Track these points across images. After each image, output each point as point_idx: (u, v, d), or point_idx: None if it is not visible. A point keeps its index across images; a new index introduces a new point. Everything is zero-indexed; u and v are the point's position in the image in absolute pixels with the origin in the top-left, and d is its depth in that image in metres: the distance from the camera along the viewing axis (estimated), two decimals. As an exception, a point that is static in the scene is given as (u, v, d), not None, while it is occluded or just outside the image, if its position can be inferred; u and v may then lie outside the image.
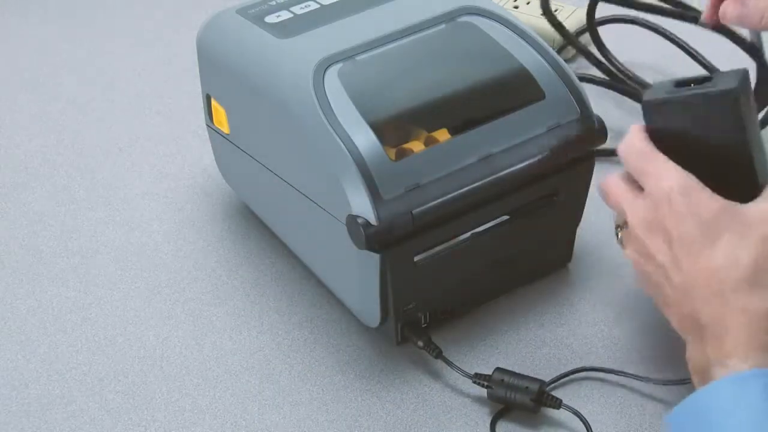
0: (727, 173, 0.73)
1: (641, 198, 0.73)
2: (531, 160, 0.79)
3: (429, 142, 0.79)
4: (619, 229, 0.76)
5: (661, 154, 0.73)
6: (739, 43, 0.91)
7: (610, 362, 0.81)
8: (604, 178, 0.76)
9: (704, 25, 0.87)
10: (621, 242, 0.76)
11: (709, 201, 0.71)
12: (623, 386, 0.80)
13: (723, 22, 0.84)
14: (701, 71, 1.01)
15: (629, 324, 0.84)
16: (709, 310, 0.69)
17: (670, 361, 0.79)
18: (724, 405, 0.66)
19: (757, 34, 0.91)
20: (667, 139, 0.73)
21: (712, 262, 0.70)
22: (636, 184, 0.74)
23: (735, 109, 0.71)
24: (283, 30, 0.84)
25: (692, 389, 0.69)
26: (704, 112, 0.72)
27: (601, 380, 0.80)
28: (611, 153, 0.89)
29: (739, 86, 0.70)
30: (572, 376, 0.80)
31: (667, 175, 0.72)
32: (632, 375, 0.79)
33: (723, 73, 0.72)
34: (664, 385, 0.79)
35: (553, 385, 0.80)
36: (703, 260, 0.70)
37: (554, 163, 0.80)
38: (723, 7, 0.83)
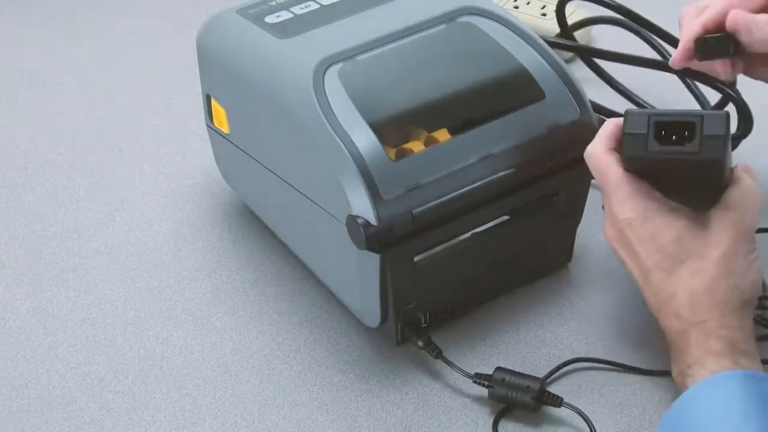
0: (695, 190, 0.75)
1: (611, 218, 0.76)
2: (531, 161, 0.79)
3: (429, 142, 0.79)
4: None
5: (620, 176, 0.75)
6: (711, 84, 0.89)
7: (609, 357, 0.81)
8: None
9: (672, 69, 0.87)
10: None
11: (668, 225, 0.74)
12: (624, 383, 0.80)
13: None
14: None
15: (629, 324, 0.84)
16: (671, 327, 0.73)
17: (669, 361, 0.79)
18: (701, 410, 0.67)
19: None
20: (635, 169, 0.75)
21: (673, 285, 0.73)
22: None
23: (718, 168, 0.73)
24: (283, 30, 0.84)
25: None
26: (686, 168, 0.73)
27: (601, 376, 0.80)
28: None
29: (722, 156, 0.72)
30: (568, 367, 0.80)
31: (625, 204, 0.74)
32: (622, 365, 0.80)
33: (706, 118, 0.72)
34: (659, 376, 0.79)
35: (550, 378, 0.79)
36: (665, 283, 0.74)
37: (554, 163, 0.80)
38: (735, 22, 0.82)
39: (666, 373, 0.78)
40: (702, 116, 0.72)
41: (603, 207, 0.78)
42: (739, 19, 0.81)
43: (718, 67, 0.85)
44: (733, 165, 0.76)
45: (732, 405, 0.66)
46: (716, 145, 0.72)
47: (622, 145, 0.74)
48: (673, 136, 0.72)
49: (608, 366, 0.81)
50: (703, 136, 0.72)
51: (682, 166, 0.73)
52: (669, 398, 0.78)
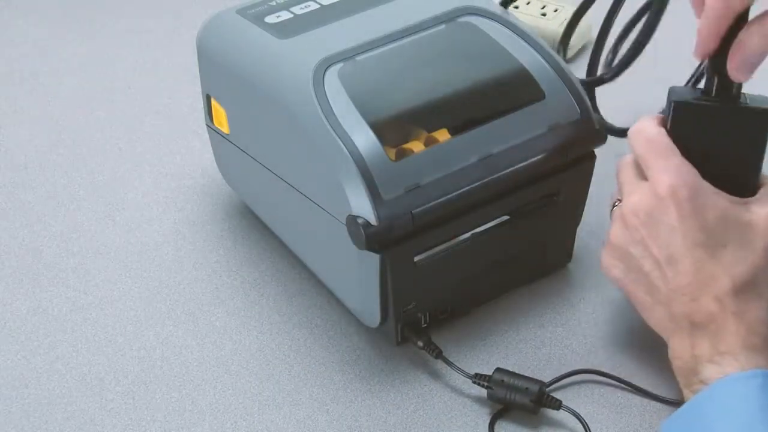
0: (732, 173, 0.74)
1: (644, 186, 0.74)
2: (531, 160, 0.79)
3: (429, 142, 0.79)
4: (615, 204, 0.78)
5: (672, 145, 0.73)
6: None
7: (609, 362, 0.81)
8: (620, 160, 0.77)
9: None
10: (611, 219, 0.77)
11: (715, 204, 0.72)
12: (623, 388, 0.80)
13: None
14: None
15: (629, 324, 0.84)
16: (706, 310, 0.70)
17: (669, 361, 0.79)
18: (724, 405, 0.66)
19: None
20: (680, 136, 0.74)
21: (714, 269, 0.71)
22: (642, 170, 0.75)
23: (765, 127, 0.73)
24: (283, 30, 0.84)
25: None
26: (734, 125, 0.73)
27: (601, 382, 0.80)
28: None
29: None
30: (572, 378, 0.80)
31: (676, 171, 0.72)
32: (631, 385, 0.79)
33: (750, 95, 0.74)
34: (665, 403, 0.78)
35: (553, 386, 0.80)
36: (707, 265, 0.71)
37: (554, 163, 0.80)
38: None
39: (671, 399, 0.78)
40: (746, 93, 0.74)
41: (612, 208, 0.77)
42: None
43: None
44: None
45: (752, 405, 0.65)
46: (766, 101, 0.73)
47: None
48: None
49: (613, 381, 0.80)
50: (751, 98, 0.73)
51: (732, 122, 0.73)
52: (670, 411, 0.77)
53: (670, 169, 0.72)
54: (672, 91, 0.76)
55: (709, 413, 0.67)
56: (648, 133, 0.74)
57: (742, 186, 0.74)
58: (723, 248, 0.71)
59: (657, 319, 0.74)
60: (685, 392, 0.71)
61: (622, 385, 0.80)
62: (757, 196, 0.73)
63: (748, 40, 0.69)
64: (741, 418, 0.65)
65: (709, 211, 0.71)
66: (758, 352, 0.69)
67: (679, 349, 0.72)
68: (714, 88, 0.74)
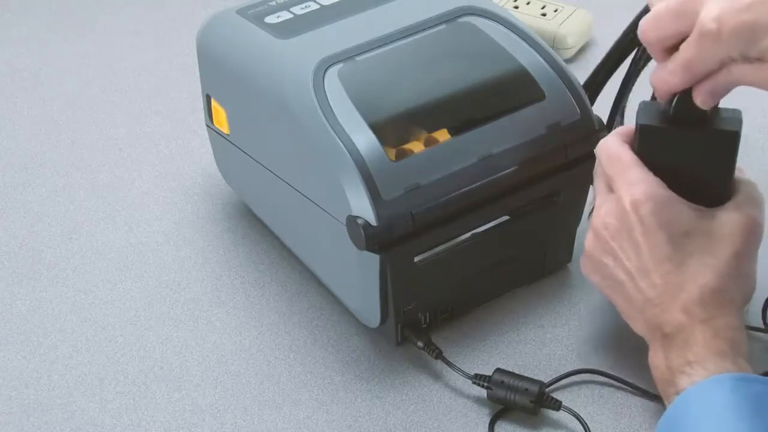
0: (702, 185, 0.74)
1: (611, 199, 0.74)
2: (531, 161, 0.79)
3: (429, 142, 0.79)
4: (591, 211, 0.78)
5: (634, 159, 0.74)
6: None
7: (609, 362, 0.81)
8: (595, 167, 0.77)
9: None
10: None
11: (680, 215, 0.72)
12: (623, 388, 0.80)
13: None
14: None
15: (629, 324, 0.84)
16: (674, 321, 0.72)
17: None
18: (696, 413, 0.67)
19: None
20: (648, 155, 0.74)
21: (682, 279, 0.72)
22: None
23: (732, 148, 0.73)
24: (283, 30, 0.84)
25: None
26: (701, 147, 0.73)
27: (601, 382, 0.80)
28: None
29: (740, 128, 0.72)
30: (572, 378, 0.80)
31: (638, 186, 0.73)
32: (631, 385, 0.79)
33: (721, 109, 0.73)
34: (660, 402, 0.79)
35: (553, 386, 0.80)
36: (673, 275, 0.72)
37: (554, 163, 0.80)
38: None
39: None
40: (717, 108, 0.73)
41: (590, 214, 0.77)
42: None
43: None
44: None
45: (724, 408, 0.66)
46: (734, 123, 0.72)
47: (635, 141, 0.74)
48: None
49: (612, 381, 0.80)
50: (721, 117, 0.73)
51: (699, 145, 0.72)
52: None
53: (632, 183, 0.73)
54: (641, 109, 0.74)
55: (684, 423, 0.67)
56: (610, 148, 0.75)
57: (712, 196, 0.74)
58: (690, 258, 0.72)
59: (638, 326, 0.75)
60: (666, 403, 0.72)
61: (622, 385, 0.80)
62: (726, 204, 0.73)
63: (716, 74, 0.69)
64: (714, 423, 0.66)
65: (673, 224, 0.72)
66: (726, 357, 0.69)
67: (655, 360, 0.73)
68: (682, 109, 0.72)
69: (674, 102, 0.72)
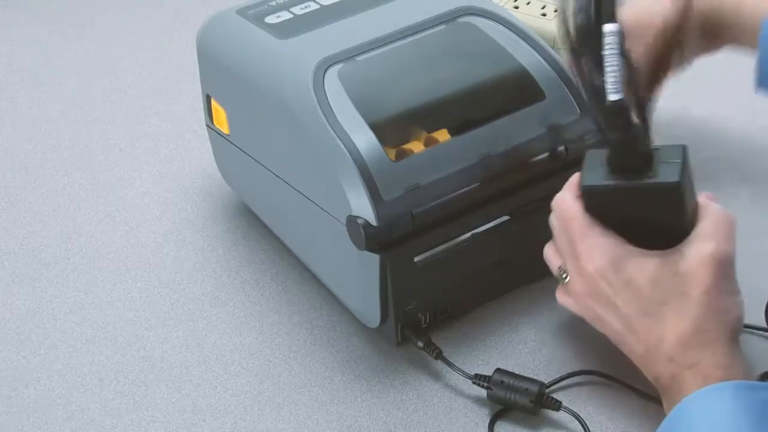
0: (659, 231, 0.73)
1: (577, 271, 0.74)
2: (531, 161, 0.79)
3: (429, 142, 0.79)
4: (562, 273, 0.77)
5: (587, 221, 0.74)
6: None
7: (609, 363, 0.81)
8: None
9: None
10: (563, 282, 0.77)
11: (644, 268, 0.72)
12: (622, 389, 0.80)
13: None
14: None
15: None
16: (665, 372, 0.72)
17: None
18: (697, 421, 0.67)
19: None
20: (598, 214, 0.74)
21: (660, 330, 0.72)
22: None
23: (677, 198, 0.72)
24: (283, 30, 0.84)
25: None
26: (646, 200, 0.73)
27: (600, 383, 0.80)
28: None
29: (681, 180, 0.71)
30: (572, 379, 0.80)
31: (595, 252, 0.73)
32: (631, 386, 0.79)
33: (662, 149, 0.72)
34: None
35: (552, 387, 0.79)
36: (653, 328, 0.72)
37: (554, 163, 0.80)
38: None
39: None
40: (658, 147, 0.72)
41: (562, 270, 0.76)
42: None
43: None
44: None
45: (725, 416, 0.66)
46: (674, 170, 0.71)
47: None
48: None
49: (612, 382, 0.80)
50: (661, 163, 0.71)
51: (643, 198, 0.72)
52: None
53: (591, 251, 0.73)
54: (585, 164, 0.74)
55: (684, 427, 0.67)
56: (565, 211, 0.75)
57: (672, 238, 0.73)
58: (664, 306, 0.71)
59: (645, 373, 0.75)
60: None
61: (622, 386, 0.80)
62: (690, 237, 0.72)
63: None
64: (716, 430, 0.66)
65: (639, 278, 0.72)
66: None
67: (665, 407, 0.72)
68: (619, 159, 0.72)
69: (608, 155, 0.72)
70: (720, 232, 0.72)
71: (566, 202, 0.75)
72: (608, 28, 0.68)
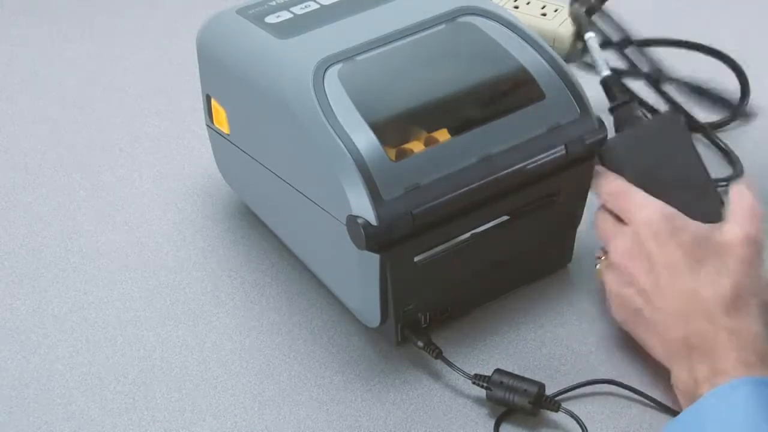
0: (691, 201, 0.79)
1: (624, 229, 0.78)
2: (531, 161, 0.79)
3: (429, 142, 0.79)
4: (598, 260, 0.81)
5: (632, 187, 0.79)
6: None
7: (609, 363, 0.81)
8: (596, 213, 0.82)
9: None
10: (598, 273, 0.81)
11: (688, 226, 0.75)
12: (622, 390, 0.80)
13: None
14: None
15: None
16: (699, 331, 0.72)
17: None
18: (713, 418, 0.66)
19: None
20: (626, 164, 0.82)
21: (697, 285, 0.73)
22: (619, 219, 0.79)
23: (683, 127, 0.81)
24: (283, 30, 0.84)
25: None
26: (658, 136, 0.81)
27: (600, 384, 0.80)
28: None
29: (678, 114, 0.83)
30: (575, 382, 0.80)
31: (648, 205, 0.77)
32: (630, 387, 0.79)
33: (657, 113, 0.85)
34: (663, 407, 0.78)
35: (561, 396, 0.79)
36: (689, 283, 0.73)
37: (554, 163, 0.80)
38: None
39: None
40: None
41: (598, 258, 0.81)
42: None
43: None
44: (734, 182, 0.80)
45: (742, 414, 0.65)
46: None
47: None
48: None
49: (613, 385, 0.80)
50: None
51: (653, 137, 0.82)
52: (669, 409, 0.77)
53: (640, 205, 0.77)
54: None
55: (700, 425, 0.67)
56: (609, 185, 0.80)
57: (705, 215, 0.78)
58: (702, 266, 0.73)
59: (659, 350, 0.76)
60: None
61: (622, 388, 0.80)
62: (725, 220, 0.76)
63: None
64: (732, 428, 0.66)
65: (683, 233, 0.75)
66: (754, 368, 0.69)
67: (681, 376, 0.73)
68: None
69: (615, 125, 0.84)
70: (753, 221, 0.75)
71: (609, 177, 0.80)
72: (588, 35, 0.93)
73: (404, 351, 0.83)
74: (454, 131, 0.79)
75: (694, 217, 0.77)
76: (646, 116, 0.86)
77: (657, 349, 0.76)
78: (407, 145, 0.78)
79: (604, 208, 0.81)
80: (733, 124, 1.02)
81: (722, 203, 0.80)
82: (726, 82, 1.02)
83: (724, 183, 0.93)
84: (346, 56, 0.80)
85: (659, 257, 0.74)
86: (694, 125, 0.99)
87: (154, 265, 0.91)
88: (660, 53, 0.98)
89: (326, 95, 0.78)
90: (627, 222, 0.78)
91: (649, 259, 0.75)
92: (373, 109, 0.78)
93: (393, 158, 0.77)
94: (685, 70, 0.97)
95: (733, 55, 1.03)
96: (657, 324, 0.75)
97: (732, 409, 0.66)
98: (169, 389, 0.81)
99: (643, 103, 1.01)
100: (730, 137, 1.00)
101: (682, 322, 0.73)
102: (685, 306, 0.73)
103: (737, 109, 1.01)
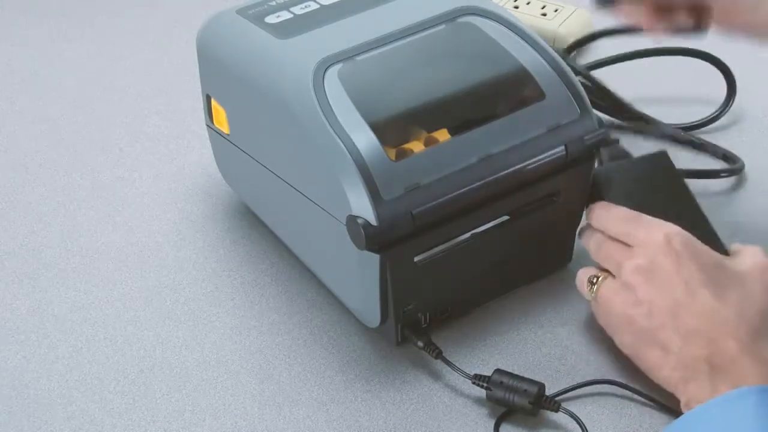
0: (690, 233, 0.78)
1: (636, 250, 0.76)
2: (531, 160, 0.79)
3: (429, 142, 0.79)
4: (592, 285, 0.79)
5: (637, 212, 0.78)
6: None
7: (609, 364, 0.81)
8: (587, 241, 0.81)
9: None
10: (594, 297, 0.79)
11: (708, 250, 0.75)
12: (622, 390, 0.80)
13: None
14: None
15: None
16: (724, 351, 0.70)
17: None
18: (717, 424, 0.66)
19: None
20: (620, 193, 0.81)
21: (722, 309, 0.72)
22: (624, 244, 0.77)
23: (671, 165, 0.82)
24: (283, 30, 0.84)
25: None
26: (648, 173, 0.81)
27: (600, 384, 0.80)
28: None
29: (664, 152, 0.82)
30: (575, 383, 0.80)
31: (665, 225, 0.76)
32: (630, 388, 0.79)
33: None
34: (665, 408, 0.78)
35: (561, 396, 0.79)
36: (713, 303, 0.72)
37: (554, 163, 0.80)
38: None
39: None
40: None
41: (592, 283, 0.79)
42: None
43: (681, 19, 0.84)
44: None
45: (745, 422, 0.65)
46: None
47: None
48: None
49: (613, 386, 0.80)
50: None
51: (642, 169, 0.82)
52: (670, 410, 0.77)
53: (654, 224, 0.76)
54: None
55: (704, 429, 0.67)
56: (614, 211, 0.79)
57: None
58: (726, 289, 0.72)
59: (667, 373, 0.74)
60: None
61: (622, 388, 0.79)
62: (734, 254, 0.77)
63: None
64: None
65: (704, 255, 0.74)
66: None
67: (699, 395, 0.71)
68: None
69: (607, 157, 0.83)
70: (758, 252, 0.76)
71: (609, 207, 0.79)
72: None
73: (404, 351, 0.83)
74: (454, 131, 0.79)
75: None
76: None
77: (664, 370, 0.74)
78: (407, 145, 0.78)
79: (606, 235, 0.79)
80: (717, 124, 1.01)
81: (719, 239, 0.79)
82: (713, 83, 1.02)
83: (725, 174, 0.94)
84: (346, 56, 0.80)
85: (681, 276, 0.73)
86: (677, 138, 0.98)
87: (153, 265, 0.91)
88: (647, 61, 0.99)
89: (326, 95, 0.78)
90: (639, 241, 0.76)
91: (669, 277, 0.73)
92: (373, 109, 0.78)
93: (393, 158, 0.77)
94: (671, 73, 0.97)
95: (719, 56, 1.02)
96: (671, 343, 0.73)
97: (735, 419, 0.66)
98: (169, 389, 0.81)
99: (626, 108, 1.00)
100: (715, 138, 0.99)
101: (705, 341, 0.71)
102: (709, 325, 0.71)
103: (723, 109, 1.01)
